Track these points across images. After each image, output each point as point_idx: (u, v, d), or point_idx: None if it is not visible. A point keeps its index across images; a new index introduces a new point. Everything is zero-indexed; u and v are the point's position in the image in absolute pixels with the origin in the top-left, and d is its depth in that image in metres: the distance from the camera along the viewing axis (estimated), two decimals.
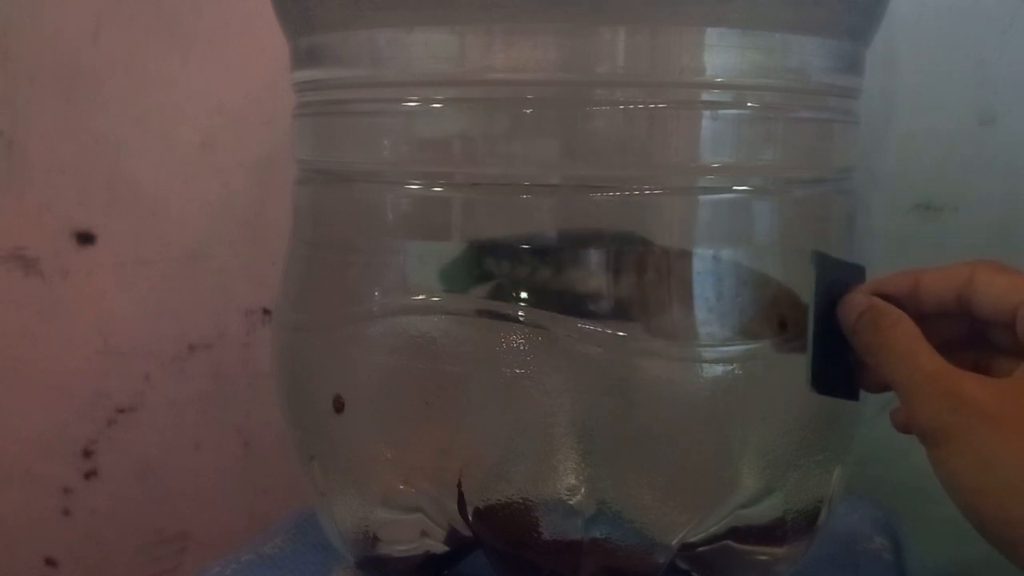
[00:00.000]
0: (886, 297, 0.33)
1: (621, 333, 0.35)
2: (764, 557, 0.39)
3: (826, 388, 0.34)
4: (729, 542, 0.38)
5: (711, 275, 0.35)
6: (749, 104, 0.35)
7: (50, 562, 0.70)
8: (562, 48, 0.34)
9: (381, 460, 0.38)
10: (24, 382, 0.68)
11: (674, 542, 0.37)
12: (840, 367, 0.34)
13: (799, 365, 0.34)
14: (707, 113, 0.35)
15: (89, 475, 0.68)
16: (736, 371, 0.36)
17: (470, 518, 0.37)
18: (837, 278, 0.34)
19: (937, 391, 0.30)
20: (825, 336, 0.34)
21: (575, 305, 0.35)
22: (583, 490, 0.36)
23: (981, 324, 0.33)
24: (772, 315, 0.36)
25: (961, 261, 0.33)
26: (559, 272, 0.35)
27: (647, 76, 0.34)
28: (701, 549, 0.38)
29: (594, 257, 0.35)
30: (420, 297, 0.36)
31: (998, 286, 0.32)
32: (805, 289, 0.34)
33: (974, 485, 0.29)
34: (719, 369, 0.35)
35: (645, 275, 0.36)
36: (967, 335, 0.34)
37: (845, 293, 0.34)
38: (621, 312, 0.35)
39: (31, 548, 0.70)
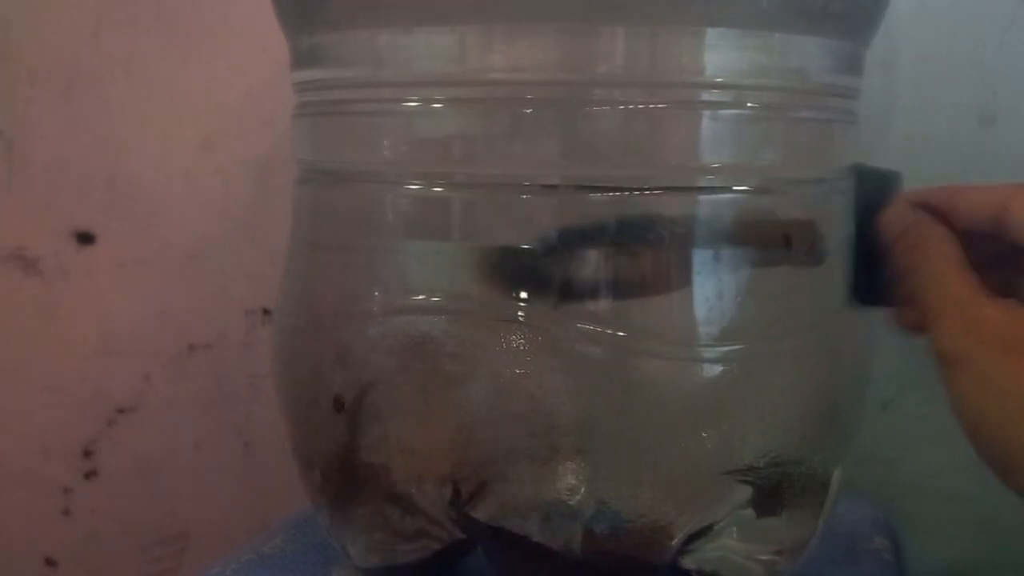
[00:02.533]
0: (926, 209, 0.34)
1: (621, 333, 0.35)
2: (764, 557, 0.39)
3: (868, 298, 0.34)
4: (729, 542, 0.38)
5: (711, 275, 0.35)
6: (749, 104, 0.35)
7: (50, 562, 0.70)
8: (562, 48, 0.34)
9: (381, 460, 0.38)
10: (24, 382, 0.68)
11: (674, 542, 0.37)
12: (879, 277, 0.34)
13: (799, 366, 0.34)
14: (707, 113, 0.35)
15: (89, 475, 0.68)
16: (736, 371, 0.36)
17: (470, 518, 0.37)
18: (876, 186, 0.34)
19: (961, 316, 0.31)
20: (866, 246, 0.34)
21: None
22: (583, 490, 0.36)
23: (1016, 248, 0.33)
24: (777, 232, 0.36)
25: (1003, 183, 0.34)
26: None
27: (647, 76, 0.34)
28: (701, 549, 0.38)
29: (593, 255, 0.35)
30: (420, 297, 0.36)
31: None
32: (814, 291, 0.35)
33: (978, 407, 0.30)
34: (719, 369, 0.35)
35: (645, 274, 0.36)
36: (1000, 254, 0.33)
37: (883, 202, 0.34)
38: (621, 312, 0.35)
39: (31, 548, 0.70)
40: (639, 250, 0.35)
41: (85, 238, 0.65)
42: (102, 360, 0.66)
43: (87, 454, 0.68)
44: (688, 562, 0.39)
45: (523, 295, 0.35)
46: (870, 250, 0.34)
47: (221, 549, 0.48)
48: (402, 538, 0.40)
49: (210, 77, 0.62)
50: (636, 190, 0.35)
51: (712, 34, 0.34)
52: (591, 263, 0.35)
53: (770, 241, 0.35)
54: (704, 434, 0.36)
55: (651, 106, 0.34)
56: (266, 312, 0.64)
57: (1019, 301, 0.31)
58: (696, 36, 0.34)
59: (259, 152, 0.62)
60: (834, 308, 0.38)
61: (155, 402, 0.67)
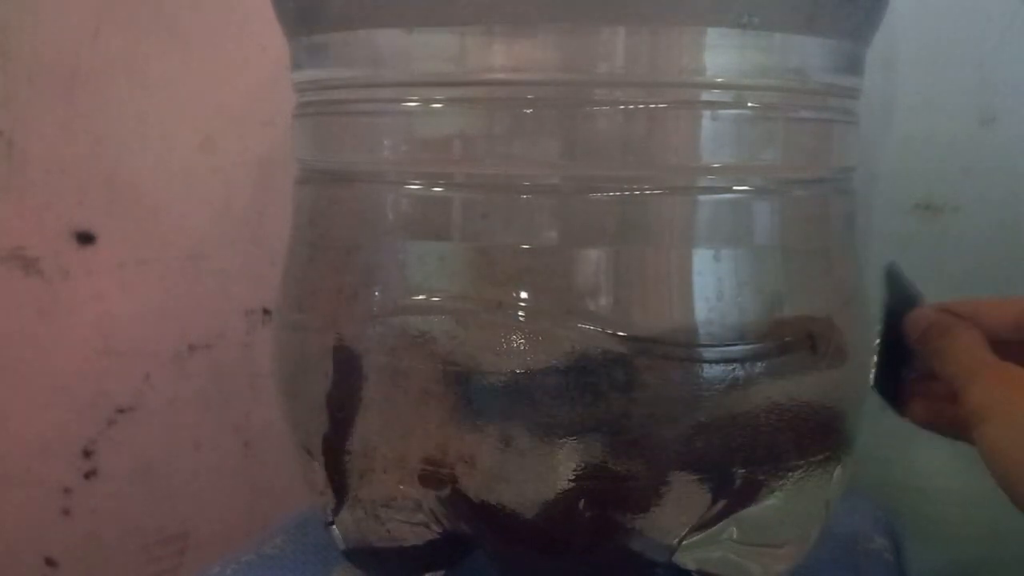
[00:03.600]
0: (952, 315, 0.36)
1: (621, 333, 0.35)
2: (764, 557, 0.39)
3: (887, 394, 0.38)
4: (729, 542, 0.38)
5: (711, 275, 0.35)
6: (749, 104, 0.35)
7: (50, 562, 0.70)
8: (562, 48, 0.34)
9: (381, 460, 0.38)
10: (24, 382, 0.68)
11: (674, 542, 0.37)
12: (897, 377, 0.38)
13: (798, 364, 0.34)
14: (707, 113, 0.35)
15: (89, 475, 0.68)
16: (736, 371, 0.36)
17: (469, 518, 0.37)
18: (904, 295, 0.38)
19: (996, 373, 0.33)
20: (890, 345, 0.37)
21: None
22: (583, 490, 0.36)
23: None
24: (802, 332, 0.37)
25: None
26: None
27: (647, 76, 0.34)
28: (701, 549, 0.38)
29: (594, 257, 0.35)
30: (420, 297, 0.36)
31: None
32: (814, 291, 0.36)
33: (1008, 451, 0.31)
34: (719, 369, 0.35)
35: (645, 275, 0.36)
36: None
37: (908, 309, 0.37)
38: (621, 312, 0.35)
39: (31, 548, 0.70)
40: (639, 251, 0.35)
41: (85, 238, 0.65)
42: (102, 360, 0.66)
43: (87, 454, 0.68)
44: (688, 562, 0.39)
45: (523, 295, 0.35)
46: (895, 349, 0.37)
47: (221, 549, 0.48)
48: (402, 538, 0.40)
49: (210, 77, 0.62)
50: (636, 190, 0.35)
51: (712, 34, 0.34)
52: (592, 263, 0.35)
53: (796, 346, 0.36)
54: (704, 434, 0.36)
55: (651, 106, 0.34)
56: (266, 312, 0.64)
57: None
58: (696, 36, 0.34)
59: (259, 152, 0.62)
60: (839, 302, 0.38)
61: (155, 402, 0.67)
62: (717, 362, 0.35)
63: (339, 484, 0.40)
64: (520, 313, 0.35)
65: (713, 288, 0.35)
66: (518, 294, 0.35)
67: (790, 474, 0.38)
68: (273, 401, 0.43)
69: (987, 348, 0.34)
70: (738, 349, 0.36)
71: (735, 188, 0.36)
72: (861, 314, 0.40)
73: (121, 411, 0.67)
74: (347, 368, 0.38)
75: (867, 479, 0.52)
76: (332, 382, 0.39)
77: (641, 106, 0.34)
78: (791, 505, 0.38)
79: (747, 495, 0.37)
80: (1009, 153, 0.53)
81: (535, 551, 0.37)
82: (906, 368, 0.37)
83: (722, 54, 0.34)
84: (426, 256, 0.37)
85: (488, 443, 0.36)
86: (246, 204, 0.63)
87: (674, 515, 0.37)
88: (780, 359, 0.36)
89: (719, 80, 0.35)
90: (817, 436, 0.38)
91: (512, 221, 0.35)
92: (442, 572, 0.42)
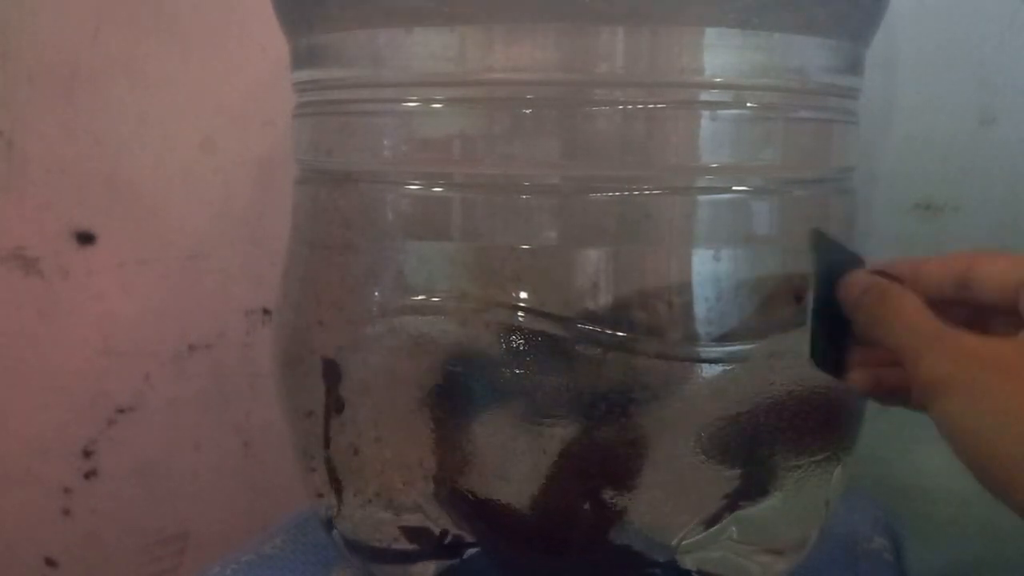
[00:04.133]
0: (888, 277, 0.34)
1: (621, 333, 0.35)
2: (764, 557, 0.39)
3: (826, 366, 0.35)
4: (729, 542, 0.38)
5: (711, 275, 0.35)
6: (749, 104, 0.35)
7: (50, 562, 0.70)
8: (562, 48, 0.34)
9: (381, 460, 0.38)
10: (24, 382, 0.68)
11: (674, 542, 0.37)
12: (837, 346, 0.35)
13: (799, 365, 0.34)
14: (707, 113, 0.35)
15: (89, 475, 0.68)
16: (736, 371, 0.36)
17: (469, 517, 0.37)
18: (837, 259, 0.35)
19: (941, 346, 0.31)
20: (824, 314, 0.34)
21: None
22: (583, 490, 0.36)
23: (981, 311, 0.33)
24: (788, 289, 0.36)
25: (960, 251, 0.34)
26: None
27: (647, 76, 0.34)
28: (701, 549, 0.38)
29: (594, 257, 0.35)
30: (420, 297, 0.36)
31: (998, 267, 0.33)
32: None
33: (971, 427, 0.30)
34: (719, 369, 0.35)
35: (645, 275, 0.36)
36: (966, 323, 0.33)
37: (841, 273, 0.34)
38: (621, 312, 0.35)
39: (31, 548, 0.70)
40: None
41: (85, 238, 0.65)
42: (102, 360, 0.66)
43: (87, 454, 0.68)
44: (688, 562, 0.39)
45: (523, 295, 0.35)
46: (829, 316, 0.34)
47: (221, 549, 0.48)
48: (401, 537, 0.40)
49: (210, 77, 0.62)
50: (636, 190, 0.35)
51: (712, 34, 0.34)
52: (592, 263, 0.35)
53: (781, 300, 0.36)
54: (704, 434, 0.36)
55: (651, 106, 0.34)
56: (266, 312, 0.64)
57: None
58: (696, 36, 0.34)
59: (259, 152, 0.62)
60: None
61: (155, 402, 0.67)
62: (717, 362, 0.35)
63: (338, 484, 0.40)
64: (520, 313, 0.35)
65: (713, 288, 0.35)
66: (518, 294, 0.35)
67: (790, 474, 0.38)
68: (273, 401, 0.43)
69: (930, 313, 0.32)
70: (737, 348, 0.36)
71: (735, 188, 0.36)
72: None
73: (121, 411, 0.67)
74: (347, 368, 0.38)
75: (867, 479, 0.52)
76: (332, 382, 0.39)
77: (641, 106, 0.34)
78: (791, 505, 0.38)
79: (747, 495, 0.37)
80: (1009, 153, 0.53)
81: (534, 549, 0.37)
82: (845, 336, 0.34)
83: (722, 54, 0.34)
84: (426, 256, 0.37)
85: (489, 443, 0.36)
86: (246, 204, 0.63)
87: (675, 515, 0.37)
88: (767, 315, 0.36)
89: (719, 80, 0.35)
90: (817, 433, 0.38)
91: (512, 221, 0.35)
92: (442, 572, 0.42)
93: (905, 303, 0.33)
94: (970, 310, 0.34)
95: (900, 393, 0.33)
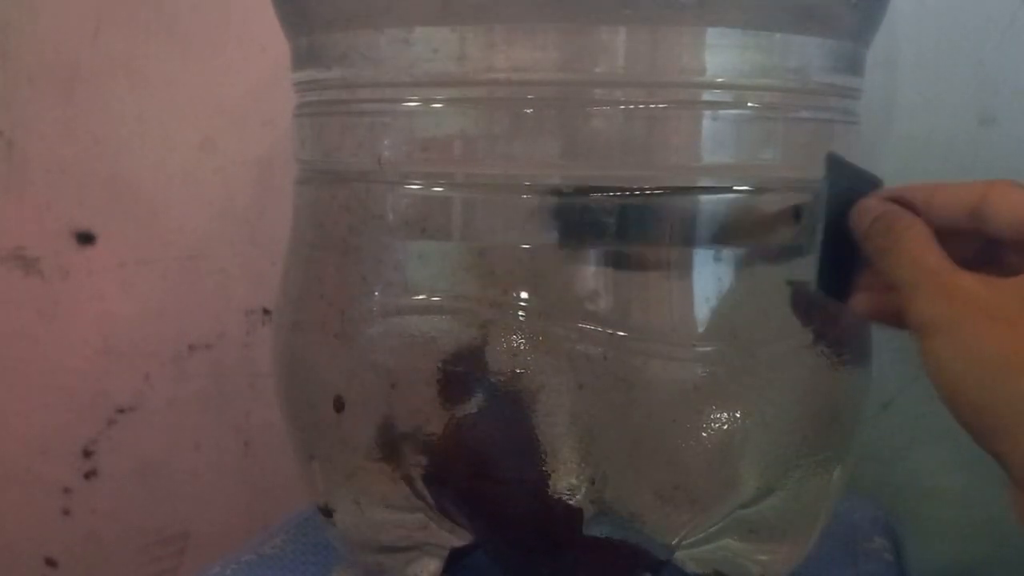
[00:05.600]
0: (901, 204, 0.33)
1: (621, 333, 0.35)
2: (764, 557, 0.39)
3: (831, 291, 0.35)
4: (729, 542, 0.38)
5: (711, 275, 0.35)
6: (749, 104, 0.35)
7: (50, 562, 0.70)
8: (562, 48, 0.34)
9: (380, 459, 0.38)
10: (24, 382, 0.68)
11: (674, 542, 0.37)
12: (845, 272, 0.35)
13: (799, 365, 0.34)
14: (707, 113, 0.35)
15: (89, 475, 0.68)
16: (736, 371, 0.36)
17: (471, 517, 0.37)
18: (851, 185, 0.34)
19: (936, 285, 0.31)
20: (835, 239, 0.34)
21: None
22: (583, 490, 0.36)
23: (993, 243, 0.33)
24: (786, 207, 0.36)
25: (978, 179, 0.33)
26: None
27: (647, 76, 0.34)
28: (701, 549, 0.38)
29: (594, 256, 0.35)
30: (420, 297, 0.36)
31: (1011, 199, 0.32)
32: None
33: (958, 370, 0.29)
34: (719, 369, 0.35)
35: (645, 275, 0.36)
36: (978, 255, 0.33)
37: (856, 198, 0.34)
38: (620, 312, 0.35)
39: (31, 548, 0.70)
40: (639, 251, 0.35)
41: (85, 238, 0.65)
42: (102, 360, 0.66)
43: (87, 454, 0.68)
44: (688, 562, 0.39)
45: (523, 295, 0.35)
46: (840, 241, 0.34)
47: (221, 549, 0.48)
48: (402, 537, 0.40)
49: (210, 77, 0.62)
50: (636, 190, 0.35)
51: (712, 34, 0.34)
52: (592, 263, 0.35)
53: (781, 217, 0.36)
54: (704, 434, 0.36)
55: (651, 106, 0.34)
56: (266, 312, 0.64)
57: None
58: (696, 36, 0.34)
59: (259, 152, 0.62)
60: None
61: (155, 402, 0.67)
62: (716, 362, 0.35)
63: (338, 484, 0.40)
64: (520, 313, 0.35)
65: (713, 288, 0.35)
66: (518, 294, 0.35)
67: (790, 474, 0.38)
68: (273, 401, 0.43)
69: (936, 248, 0.31)
70: (737, 348, 0.35)
71: (735, 188, 0.36)
72: None
73: (121, 411, 0.67)
74: (347, 368, 0.38)
75: (867, 479, 0.52)
76: (332, 382, 0.39)
77: (641, 106, 0.34)
78: (791, 505, 0.38)
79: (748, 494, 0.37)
80: (1009, 153, 0.53)
81: (535, 547, 0.37)
82: (854, 261, 0.34)
83: (722, 54, 0.34)
84: (426, 256, 0.37)
85: (488, 442, 0.36)
86: (246, 204, 0.63)
87: (675, 514, 0.37)
88: (765, 230, 0.36)
89: (719, 80, 0.35)
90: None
91: (512, 221, 0.35)
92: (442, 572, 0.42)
93: (912, 235, 0.32)
94: (983, 242, 0.33)
95: (901, 320, 0.32)
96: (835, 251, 0.34)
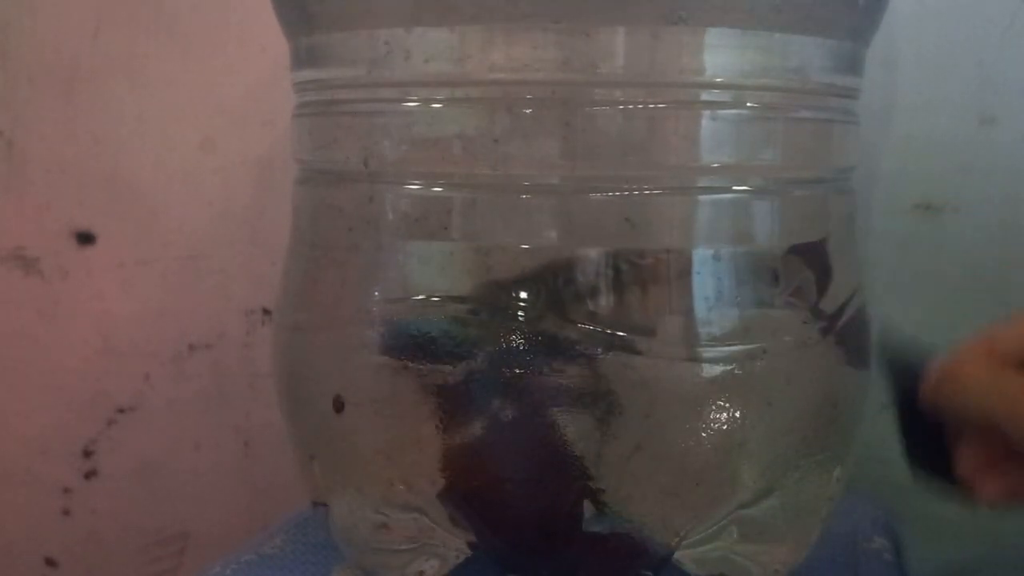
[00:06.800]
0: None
1: (621, 333, 0.35)
2: (764, 557, 0.39)
3: (925, 475, 0.34)
4: (729, 542, 0.38)
5: (711, 275, 0.35)
6: (749, 104, 0.35)
7: (50, 562, 0.70)
8: (562, 48, 0.34)
9: (380, 460, 0.38)
10: (24, 382, 0.68)
11: (674, 542, 0.37)
12: (935, 451, 0.33)
13: (799, 365, 0.34)
14: (707, 113, 0.35)
15: (89, 475, 0.68)
16: (736, 371, 0.36)
17: (471, 518, 0.37)
18: (910, 362, 0.33)
19: None
20: (915, 427, 0.33)
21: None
22: (583, 490, 0.36)
23: None
24: (763, 267, 0.36)
25: None
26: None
27: (647, 76, 0.34)
28: (701, 549, 0.38)
29: (594, 257, 0.35)
30: (420, 297, 0.36)
31: None
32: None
33: None
34: (719, 369, 0.35)
35: (645, 275, 0.36)
36: None
37: (919, 376, 0.32)
38: (621, 312, 0.35)
39: (31, 548, 0.70)
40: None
41: (85, 238, 0.65)
42: (102, 360, 0.66)
43: (87, 454, 0.68)
44: (688, 562, 0.39)
45: (523, 295, 0.35)
46: (921, 430, 0.32)
47: (221, 549, 0.48)
48: (402, 538, 0.40)
49: (210, 77, 0.62)
50: (636, 190, 0.35)
51: (712, 34, 0.34)
52: (592, 264, 0.35)
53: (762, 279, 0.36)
54: (704, 434, 0.36)
55: (651, 106, 0.34)
56: (266, 312, 0.64)
57: None
58: (696, 36, 0.34)
59: (259, 152, 0.62)
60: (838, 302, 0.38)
61: (155, 402, 0.67)
62: (717, 362, 0.35)
63: (338, 484, 0.40)
64: (520, 313, 0.35)
65: (713, 288, 0.35)
66: (518, 294, 0.35)
67: (790, 474, 0.38)
68: (273, 401, 0.43)
69: (1003, 370, 0.28)
70: (737, 349, 0.36)
71: (735, 188, 0.36)
72: (859, 313, 0.40)
73: (121, 411, 0.67)
74: (347, 368, 0.38)
75: (867, 479, 0.52)
76: (332, 382, 0.39)
77: (641, 106, 0.34)
78: (791, 505, 0.38)
79: (748, 495, 0.37)
80: (1009, 153, 0.53)
81: (535, 547, 0.37)
82: (941, 441, 0.32)
83: (722, 54, 0.34)
84: (426, 256, 0.37)
85: (487, 442, 0.36)
86: (246, 204, 0.63)
87: (675, 514, 0.37)
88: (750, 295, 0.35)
89: (719, 80, 0.35)
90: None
91: (512, 221, 0.35)
92: (441, 572, 0.42)
93: (972, 370, 0.29)
94: None
95: None
96: (919, 434, 0.33)
